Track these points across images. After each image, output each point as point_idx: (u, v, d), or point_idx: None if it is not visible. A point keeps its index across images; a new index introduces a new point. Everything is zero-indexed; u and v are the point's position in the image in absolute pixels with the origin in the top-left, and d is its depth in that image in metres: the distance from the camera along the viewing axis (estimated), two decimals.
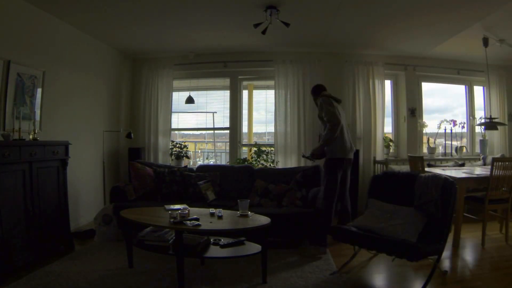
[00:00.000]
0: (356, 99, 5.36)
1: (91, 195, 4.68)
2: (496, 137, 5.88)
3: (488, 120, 4.87)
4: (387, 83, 5.83)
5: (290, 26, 3.86)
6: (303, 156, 4.09)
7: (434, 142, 5.86)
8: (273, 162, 5.36)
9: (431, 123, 5.91)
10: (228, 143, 5.76)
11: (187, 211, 2.85)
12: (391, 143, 5.74)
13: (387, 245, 2.58)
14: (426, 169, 4.40)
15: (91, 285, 2.69)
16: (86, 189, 4.58)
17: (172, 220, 2.70)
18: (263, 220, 2.87)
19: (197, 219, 2.73)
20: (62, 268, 2.99)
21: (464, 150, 5.89)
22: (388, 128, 5.80)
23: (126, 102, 5.67)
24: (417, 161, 4.47)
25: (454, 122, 5.88)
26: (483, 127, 5.35)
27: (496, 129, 4.99)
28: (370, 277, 2.98)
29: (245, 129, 5.91)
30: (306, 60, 5.34)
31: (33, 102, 3.64)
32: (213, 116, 5.93)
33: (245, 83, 5.85)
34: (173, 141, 5.70)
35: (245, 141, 5.90)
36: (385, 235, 2.68)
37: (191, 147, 6.22)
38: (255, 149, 5.47)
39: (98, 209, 4.10)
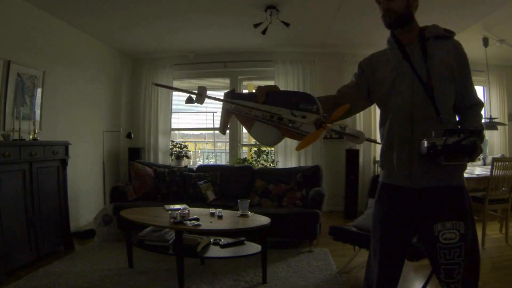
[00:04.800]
0: None
1: (91, 195, 4.67)
2: (496, 137, 5.88)
3: (488, 120, 4.86)
4: None
5: (290, 26, 3.86)
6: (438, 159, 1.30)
7: None
8: (273, 162, 5.36)
9: None
10: (228, 143, 5.76)
11: (187, 211, 2.86)
12: None
13: None
14: None
15: (91, 285, 2.69)
16: (86, 189, 4.58)
17: (172, 220, 2.70)
18: (263, 220, 2.87)
19: (197, 219, 2.72)
20: (62, 268, 2.99)
21: None
22: None
23: (126, 102, 5.66)
24: None
25: None
26: None
27: (496, 129, 4.98)
28: None
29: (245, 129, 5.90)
30: (306, 60, 5.34)
31: (33, 102, 3.64)
32: (213, 116, 5.92)
33: (245, 83, 5.85)
34: (173, 141, 5.70)
35: (245, 141, 5.89)
36: None
37: (191, 147, 6.22)
38: (255, 149, 5.47)
39: (98, 209, 4.09)
